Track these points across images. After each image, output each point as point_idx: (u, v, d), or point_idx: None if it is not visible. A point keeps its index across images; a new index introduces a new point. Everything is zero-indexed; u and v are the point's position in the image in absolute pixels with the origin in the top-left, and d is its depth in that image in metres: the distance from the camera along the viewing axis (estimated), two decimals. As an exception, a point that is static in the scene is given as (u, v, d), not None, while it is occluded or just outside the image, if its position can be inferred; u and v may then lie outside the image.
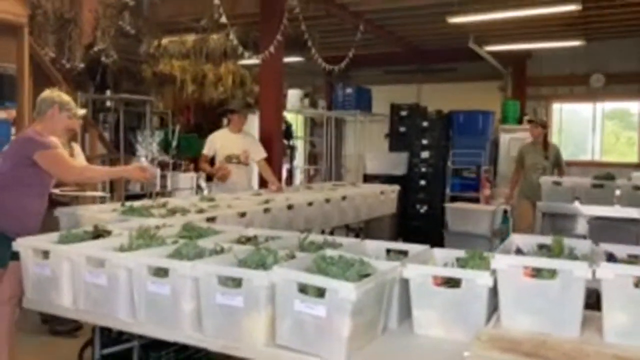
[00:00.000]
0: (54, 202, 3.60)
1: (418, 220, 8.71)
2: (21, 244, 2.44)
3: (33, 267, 2.41)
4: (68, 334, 4.07)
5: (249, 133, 5.68)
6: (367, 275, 1.90)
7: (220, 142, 5.34)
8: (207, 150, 5.36)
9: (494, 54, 9.00)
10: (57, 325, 4.12)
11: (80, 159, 4.44)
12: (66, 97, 3.35)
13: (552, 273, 1.85)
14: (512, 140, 9.04)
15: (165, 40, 8.58)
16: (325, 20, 7.82)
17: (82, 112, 4.05)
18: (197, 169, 5.73)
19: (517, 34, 8.46)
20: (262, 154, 5.47)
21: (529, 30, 8.25)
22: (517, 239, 2.33)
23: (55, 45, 7.01)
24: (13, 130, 4.95)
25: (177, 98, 9.31)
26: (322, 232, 4.33)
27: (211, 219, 3.27)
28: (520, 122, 9.26)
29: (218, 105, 9.01)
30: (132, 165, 3.79)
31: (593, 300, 1.92)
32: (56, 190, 3.74)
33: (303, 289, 1.83)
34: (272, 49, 6.04)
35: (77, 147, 4.54)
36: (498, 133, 9.24)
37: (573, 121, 10.24)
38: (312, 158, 11.48)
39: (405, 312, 2.06)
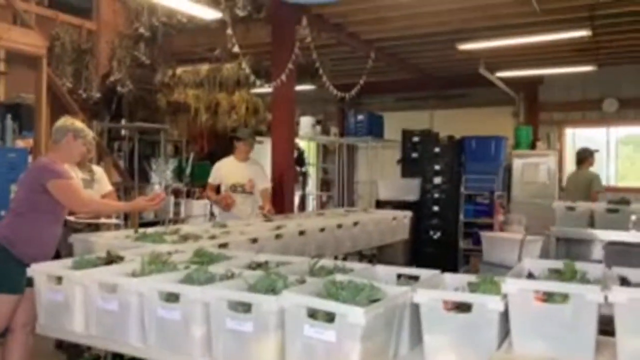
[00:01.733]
0: (69, 229, 3.65)
1: (431, 246, 8.65)
2: (35, 270, 2.47)
3: (46, 293, 2.43)
4: None
5: (256, 161, 5.61)
6: (377, 300, 1.90)
7: (225, 171, 5.32)
8: (212, 179, 5.35)
9: (506, 80, 9.03)
10: (76, 357, 4.13)
11: (104, 181, 4.50)
12: (80, 124, 3.43)
13: (564, 297, 1.83)
14: (525, 165, 9.01)
15: (179, 70, 8.73)
16: (337, 49, 7.93)
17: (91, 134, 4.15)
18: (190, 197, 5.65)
19: (528, 60, 8.51)
20: (266, 183, 5.44)
21: (540, 56, 8.29)
22: (528, 263, 2.31)
23: (72, 76, 7.19)
24: (30, 158, 5.04)
25: (191, 126, 9.42)
26: (335, 258, 4.32)
27: (223, 245, 3.28)
28: (533, 147, 9.24)
29: (232, 132, 9.10)
30: (139, 199, 3.84)
31: (610, 328, 1.89)
32: (71, 218, 3.79)
33: (312, 313, 1.83)
34: (283, 77, 6.12)
35: (99, 171, 4.59)
36: (511, 158, 9.21)
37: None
38: (325, 184, 11.51)
39: (417, 337, 2.05)
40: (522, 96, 10.01)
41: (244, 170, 5.31)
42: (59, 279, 2.39)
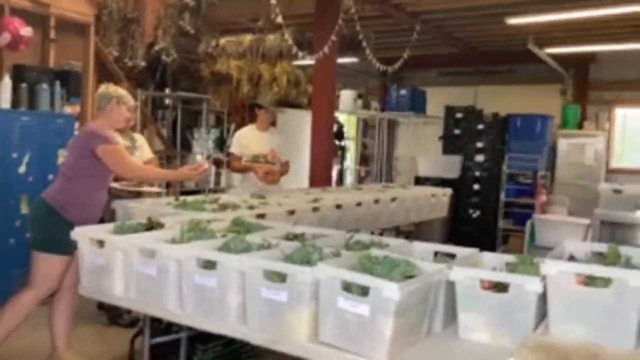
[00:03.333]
0: (112, 195, 3.74)
1: (470, 225, 8.54)
2: (78, 233, 2.55)
3: (89, 256, 2.51)
4: (126, 327, 4.20)
5: (277, 130, 5.34)
6: (412, 276, 1.89)
7: (246, 141, 5.03)
8: (235, 149, 5.04)
9: (555, 57, 8.72)
10: (117, 317, 4.28)
11: (145, 148, 4.59)
12: (122, 91, 3.49)
13: (606, 281, 1.77)
14: (571, 146, 8.75)
15: (223, 40, 8.74)
16: (381, 21, 7.78)
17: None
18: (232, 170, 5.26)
19: (580, 36, 8.17)
20: (287, 155, 5.20)
21: (593, 32, 7.94)
22: (570, 246, 2.25)
23: (118, 44, 7.28)
24: (77, 125, 5.16)
25: (233, 97, 9.46)
26: (371, 233, 4.31)
27: (261, 216, 3.31)
28: (580, 127, 8.94)
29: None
30: (184, 168, 3.88)
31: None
32: (115, 184, 3.88)
33: (347, 287, 1.83)
34: (326, 49, 6.06)
35: (140, 138, 4.67)
36: (557, 138, 8.95)
37: (638, 127, 9.78)
38: (364, 159, 11.45)
39: (451, 315, 2.03)
40: (572, 73, 9.64)
41: (266, 139, 5.05)
42: (101, 243, 2.46)
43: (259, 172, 4.88)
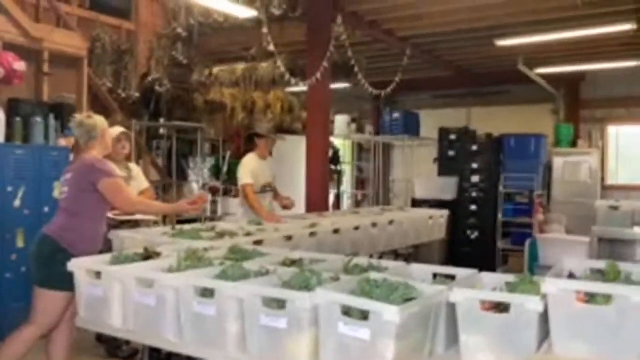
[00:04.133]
0: (107, 225, 3.72)
1: (469, 246, 8.51)
2: (75, 265, 2.53)
3: (86, 288, 2.49)
4: (125, 359, 4.14)
5: (272, 159, 5.29)
6: (412, 299, 1.88)
7: (255, 171, 4.91)
8: (249, 179, 4.81)
9: (545, 77, 8.82)
10: (116, 349, 4.22)
11: (140, 179, 4.57)
12: (98, 116, 3.46)
13: (607, 298, 1.77)
14: (566, 164, 8.79)
15: (216, 69, 8.83)
16: (372, 46, 7.88)
17: (117, 130, 4.20)
18: (247, 199, 4.82)
19: (569, 56, 8.28)
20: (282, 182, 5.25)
21: (582, 52, 8.05)
22: (569, 263, 2.25)
23: (112, 76, 7.34)
24: (72, 157, 5.15)
25: (228, 125, 9.51)
26: (370, 257, 4.28)
27: (258, 242, 3.30)
28: (574, 145, 9.00)
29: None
30: (181, 202, 3.87)
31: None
32: (110, 214, 3.86)
33: (347, 311, 1.81)
34: (319, 75, 6.12)
35: (135, 168, 4.66)
36: (551, 157, 9.00)
37: (630, 144, 9.86)
38: (360, 183, 11.47)
39: (453, 337, 2.01)
40: (563, 93, 9.75)
41: (268, 168, 5.05)
42: (98, 274, 2.44)
43: (273, 219, 4.60)
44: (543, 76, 8.75)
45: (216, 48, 8.30)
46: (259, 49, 7.69)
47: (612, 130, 9.77)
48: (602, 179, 9.11)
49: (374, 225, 4.59)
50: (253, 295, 1.98)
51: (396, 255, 5.81)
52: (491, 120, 9.76)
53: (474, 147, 8.74)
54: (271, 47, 6.16)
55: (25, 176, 4.70)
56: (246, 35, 7.42)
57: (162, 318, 2.22)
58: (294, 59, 7.54)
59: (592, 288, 1.80)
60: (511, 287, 2.06)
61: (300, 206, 6.56)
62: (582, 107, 9.67)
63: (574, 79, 9.49)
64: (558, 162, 8.89)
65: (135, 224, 4.12)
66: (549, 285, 1.83)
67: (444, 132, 9.25)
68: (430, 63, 9.05)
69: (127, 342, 4.16)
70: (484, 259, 7.86)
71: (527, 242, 5.88)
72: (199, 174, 8.51)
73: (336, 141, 10.25)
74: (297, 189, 6.74)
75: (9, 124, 4.76)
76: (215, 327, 2.08)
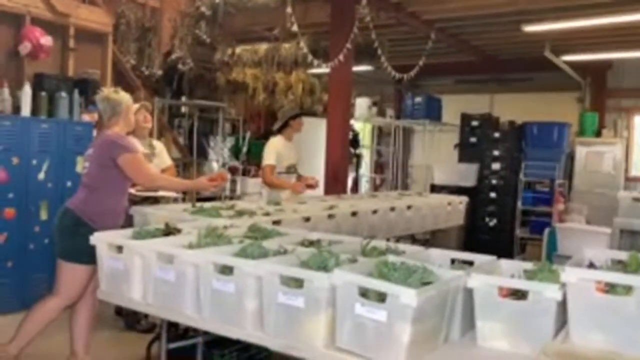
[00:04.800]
0: (129, 201, 3.77)
1: (487, 233, 8.48)
2: (97, 238, 2.58)
3: (108, 261, 2.53)
4: (143, 332, 4.22)
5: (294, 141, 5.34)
6: (429, 283, 1.88)
7: (282, 151, 5.00)
8: (274, 160, 4.89)
9: (572, 64, 8.66)
10: (134, 323, 4.30)
11: (163, 156, 4.62)
12: (122, 92, 3.48)
13: (628, 289, 1.75)
14: (589, 153, 8.65)
15: (238, 49, 8.82)
16: (396, 29, 7.79)
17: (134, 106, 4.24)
18: (265, 179, 4.94)
19: (597, 43, 8.11)
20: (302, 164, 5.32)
21: (610, 39, 7.88)
22: (589, 253, 2.23)
23: (135, 53, 7.38)
24: (95, 132, 5.22)
25: (249, 105, 9.54)
26: (387, 240, 4.29)
27: (276, 222, 3.32)
28: (598, 135, 8.85)
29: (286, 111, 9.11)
30: (201, 178, 3.90)
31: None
32: (132, 190, 3.91)
33: (364, 293, 1.83)
34: (341, 57, 6.08)
35: (159, 145, 4.70)
36: (574, 146, 8.86)
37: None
38: (379, 167, 11.43)
39: (469, 323, 2.02)
40: (589, 81, 9.55)
41: (293, 150, 5.15)
42: (120, 248, 2.48)
43: (299, 187, 4.93)
44: (569, 63, 8.59)
45: (239, 27, 8.28)
46: (282, 29, 7.66)
47: (638, 120, 9.57)
48: (626, 170, 8.96)
49: (392, 209, 4.58)
50: (272, 273, 2.00)
51: (413, 240, 5.81)
52: (514, 107, 9.63)
53: (496, 134, 8.65)
54: (294, 28, 6.12)
55: (49, 150, 4.78)
56: (270, 15, 7.38)
57: (181, 293, 2.26)
58: (317, 40, 7.50)
59: (613, 278, 1.79)
60: (530, 275, 2.06)
61: (320, 188, 6.58)
62: (608, 96, 9.48)
63: (600, 67, 9.29)
64: (581, 151, 8.75)
65: (155, 201, 4.17)
66: (569, 274, 1.82)
67: (465, 118, 9.17)
68: (455, 47, 8.93)
69: (146, 316, 4.25)
70: (501, 246, 7.83)
71: (546, 231, 5.82)
72: (219, 153, 8.58)
73: (356, 124, 10.21)
74: (316, 171, 6.75)
75: (35, 98, 4.83)
76: (233, 304, 2.11)
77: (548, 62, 8.20)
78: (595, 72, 9.39)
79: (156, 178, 3.54)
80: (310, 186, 5.14)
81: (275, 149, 4.96)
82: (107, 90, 3.50)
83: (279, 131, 5.14)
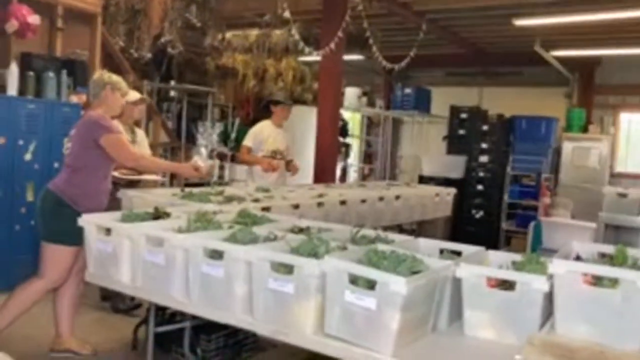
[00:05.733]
0: (114, 184, 3.74)
1: (473, 225, 8.55)
2: (86, 220, 2.56)
3: (96, 243, 2.52)
4: (127, 312, 4.21)
5: (284, 128, 5.42)
6: (419, 272, 1.89)
7: (266, 135, 5.14)
8: (250, 142, 5.12)
9: (561, 59, 8.71)
10: (119, 303, 4.29)
11: (143, 145, 4.59)
12: (115, 77, 3.46)
13: (614, 282, 1.78)
14: (576, 149, 8.75)
15: (229, 34, 8.74)
16: (388, 19, 7.78)
17: (135, 96, 4.20)
18: (241, 158, 5.28)
19: (587, 39, 8.16)
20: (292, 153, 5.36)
21: (600, 36, 7.93)
22: (577, 246, 2.26)
23: (125, 35, 7.28)
24: (82, 113, 5.16)
25: (238, 91, 9.47)
26: (375, 229, 4.30)
27: (266, 209, 3.32)
28: (585, 130, 8.94)
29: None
30: (187, 164, 3.87)
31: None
32: (115, 173, 3.88)
33: (353, 280, 1.84)
34: (332, 45, 6.06)
35: (140, 133, 4.67)
36: (561, 141, 8.95)
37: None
38: (367, 157, 11.45)
39: (456, 313, 2.04)
40: (577, 77, 9.64)
41: (282, 135, 5.23)
42: (108, 231, 2.47)
43: (263, 163, 5.02)
44: (558, 59, 8.64)
45: (230, 12, 8.20)
46: (273, 16, 7.61)
47: (625, 117, 9.67)
48: (611, 166, 9.07)
49: (381, 199, 4.60)
50: (262, 259, 2.00)
51: (400, 230, 5.83)
52: (503, 101, 9.68)
53: (484, 127, 8.71)
54: (286, 14, 6.09)
55: (36, 130, 4.72)
56: (261, 0, 7.33)
57: (170, 277, 2.25)
58: (309, 28, 7.46)
59: (600, 271, 1.81)
60: (518, 266, 2.08)
61: (308, 176, 6.58)
62: (596, 92, 9.56)
63: (589, 63, 9.36)
64: (568, 146, 8.84)
65: (138, 184, 4.14)
66: (557, 265, 1.84)
67: (454, 110, 9.20)
68: (446, 39, 8.94)
69: (132, 299, 4.24)
70: (487, 238, 7.90)
71: (532, 225, 5.88)
72: (207, 139, 8.50)
73: (345, 114, 10.19)
74: (306, 160, 6.75)
75: (22, 78, 4.74)
76: (222, 289, 2.11)
77: (538, 57, 8.24)
78: (584, 68, 9.46)
79: (139, 157, 3.49)
80: (289, 169, 5.20)
81: (257, 132, 5.13)
82: (99, 72, 3.48)
83: (264, 117, 5.18)
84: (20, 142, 4.61)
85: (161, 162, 4.15)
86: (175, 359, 3.27)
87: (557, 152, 8.93)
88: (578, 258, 2.16)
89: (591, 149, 8.62)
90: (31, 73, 4.82)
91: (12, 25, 4.87)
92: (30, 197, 4.62)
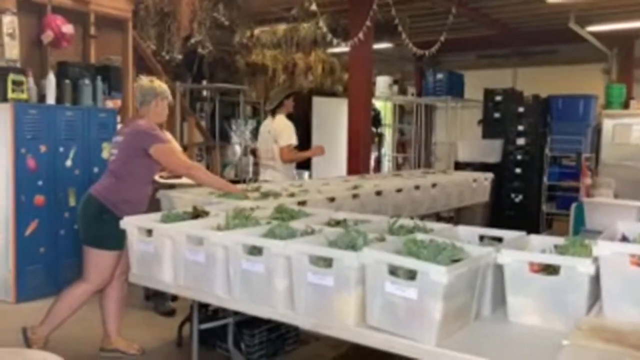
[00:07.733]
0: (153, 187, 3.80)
1: (512, 209, 8.40)
2: (127, 223, 2.61)
3: (138, 244, 2.57)
4: (166, 315, 4.30)
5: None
6: (459, 260, 1.87)
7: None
8: (294, 139, 5.02)
9: (597, 35, 8.44)
10: (159, 305, 4.38)
11: (175, 145, 4.65)
12: (164, 85, 3.51)
13: (663, 262, 1.72)
14: (616, 126, 8.48)
15: (257, 31, 8.79)
16: (416, 4, 7.68)
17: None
18: (289, 157, 5.00)
19: (624, 12, 7.87)
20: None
21: (637, 7, 7.65)
22: (622, 226, 2.19)
23: (155, 38, 7.39)
24: (118, 118, 5.27)
25: (269, 87, 9.52)
26: (411, 219, 4.26)
27: (302, 203, 3.33)
28: (626, 107, 8.65)
29: (308, 94, 9.11)
30: (240, 187, 3.82)
31: None
32: (155, 177, 3.95)
33: (393, 271, 1.82)
34: (361, 35, 6.03)
35: (168, 134, 4.73)
36: (601, 119, 8.69)
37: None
38: (401, 146, 11.36)
39: (499, 299, 2.01)
40: (615, 52, 9.32)
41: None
42: (149, 232, 2.51)
43: (319, 150, 5.30)
44: (595, 34, 8.38)
45: (258, 9, 8.24)
46: (300, 9, 7.61)
47: (668, 91, 9.33)
48: (655, 142, 8.77)
49: (417, 187, 4.56)
50: (301, 253, 2.01)
51: (438, 218, 5.77)
52: (538, 81, 9.46)
53: (520, 109, 8.52)
54: (313, 7, 6.07)
55: (75, 137, 4.85)
56: (288, -5, 7.34)
57: (211, 275, 2.28)
58: (336, 19, 7.43)
59: (648, 251, 1.76)
60: (561, 250, 2.03)
61: (342, 168, 6.58)
62: (636, 66, 9.25)
63: (628, 37, 9.05)
64: (608, 124, 8.57)
65: (177, 184, 4.21)
66: (602, 247, 1.79)
67: (489, 94, 9.03)
68: (476, 21, 8.77)
69: (173, 299, 4.33)
70: (527, 222, 7.76)
71: (573, 206, 5.72)
72: (241, 136, 8.61)
73: (377, 103, 10.14)
74: (338, 152, 6.74)
75: (59, 86, 4.88)
76: (263, 284, 2.12)
77: (572, 34, 8.01)
78: (623, 42, 9.15)
79: (190, 167, 3.49)
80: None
81: (291, 128, 5.03)
82: (144, 79, 3.52)
83: (275, 111, 5.09)
84: (61, 149, 4.75)
85: (211, 178, 3.81)
86: (219, 355, 3.32)
87: (597, 131, 8.67)
88: (624, 239, 2.09)
89: (633, 125, 8.33)
90: (67, 81, 4.95)
91: (47, 36, 5.01)
92: (72, 202, 4.77)
